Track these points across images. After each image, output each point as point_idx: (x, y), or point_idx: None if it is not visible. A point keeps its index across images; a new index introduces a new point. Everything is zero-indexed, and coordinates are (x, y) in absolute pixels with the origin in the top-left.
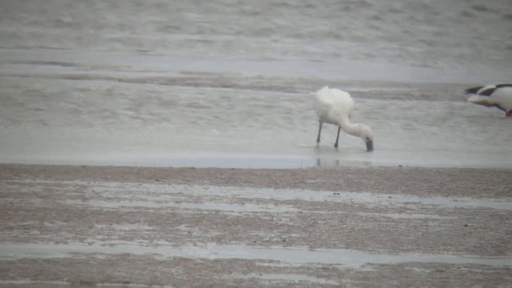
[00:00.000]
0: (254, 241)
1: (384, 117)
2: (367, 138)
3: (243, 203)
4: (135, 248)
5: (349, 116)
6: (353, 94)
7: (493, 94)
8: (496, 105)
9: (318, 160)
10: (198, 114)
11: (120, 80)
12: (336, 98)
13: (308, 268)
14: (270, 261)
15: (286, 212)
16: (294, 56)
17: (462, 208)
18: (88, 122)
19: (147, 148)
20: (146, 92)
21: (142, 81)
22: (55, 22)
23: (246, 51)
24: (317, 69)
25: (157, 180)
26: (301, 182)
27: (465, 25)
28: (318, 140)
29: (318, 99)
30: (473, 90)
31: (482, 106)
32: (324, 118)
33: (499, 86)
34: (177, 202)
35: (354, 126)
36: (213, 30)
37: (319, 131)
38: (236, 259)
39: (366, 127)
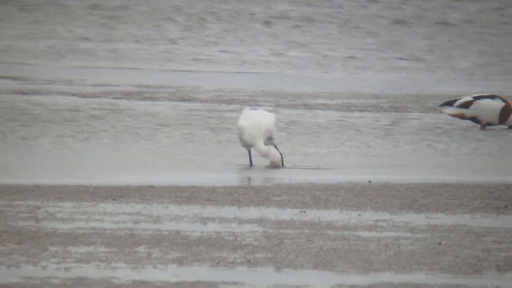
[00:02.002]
0: (218, 263)
1: (352, 130)
2: (272, 162)
3: (205, 223)
4: (92, 271)
5: (268, 138)
6: (319, 106)
7: (472, 107)
8: (473, 118)
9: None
10: (155, 129)
11: (73, 95)
12: (253, 120)
13: None
14: (235, 283)
15: (251, 232)
16: (257, 67)
17: (435, 225)
18: (39, 140)
19: (101, 166)
20: (101, 106)
21: (97, 95)
22: (2, 33)
23: (206, 63)
24: (280, 81)
25: (114, 200)
26: (266, 199)
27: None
28: (251, 164)
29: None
30: (449, 103)
31: (456, 119)
32: (241, 141)
33: (476, 98)
34: (136, 222)
35: (264, 148)
36: (170, 40)
37: (249, 155)
38: (199, 282)
39: (274, 152)
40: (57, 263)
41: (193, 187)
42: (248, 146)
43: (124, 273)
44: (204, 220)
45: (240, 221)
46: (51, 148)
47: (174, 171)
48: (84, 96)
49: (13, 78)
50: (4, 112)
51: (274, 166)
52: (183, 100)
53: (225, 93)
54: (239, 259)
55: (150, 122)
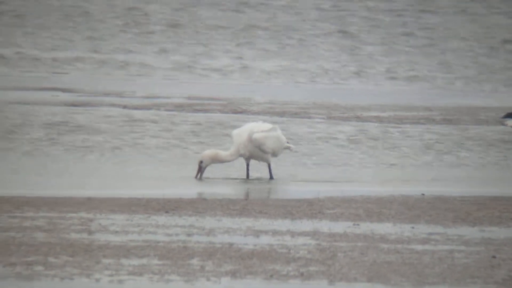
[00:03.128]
0: (271, 275)
1: (404, 142)
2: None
3: (258, 236)
4: (145, 284)
5: (259, 148)
6: (371, 119)
7: None
8: None
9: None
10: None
11: (124, 107)
12: (240, 130)
13: None
14: None
15: (304, 244)
16: (309, 80)
17: (489, 238)
18: (92, 152)
19: (154, 179)
20: (152, 118)
21: (148, 107)
22: (54, 45)
23: (257, 75)
24: (331, 94)
25: (166, 212)
26: (319, 212)
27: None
28: (247, 176)
29: None
30: (511, 115)
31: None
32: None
33: None
34: (189, 235)
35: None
36: (214, 56)
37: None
38: None
39: (203, 152)
40: (111, 275)
41: (245, 199)
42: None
43: (177, 285)
44: (257, 233)
45: (293, 234)
46: (103, 160)
47: (225, 184)
48: (135, 108)
49: (63, 91)
50: (56, 124)
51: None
52: (235, 112)
53: (276, 105)
54: (292, 272)
55: (201, 135)
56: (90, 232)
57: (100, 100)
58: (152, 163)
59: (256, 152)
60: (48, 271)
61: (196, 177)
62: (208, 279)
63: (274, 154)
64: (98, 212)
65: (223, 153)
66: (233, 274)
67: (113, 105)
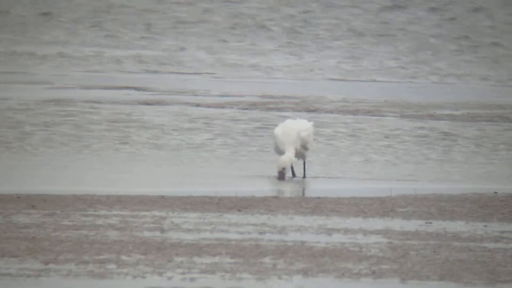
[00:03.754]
0: (342, 274)
1: (478, 141)
2: (277, 167)
3: (330, 234)
4: (217, 282)
5: (303, 146)
6: (444, 117)
7: None
8: None
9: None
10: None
11: (198, 105)
12: (284, 128)
13: None
14: None
15: (376, 243)
16: (381, 77)
17: None
18: (163, 150)
19: (226, 177)
20: (226, 117)
21: (221, 106)
22: (127, 43)
23: (330, 73)
24: (404, 91)
25: (239, 210)
26: (391, 210)
27: None
28: (293, 175)
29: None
30: None
31: None
32: (275, 149)
33: None
34: (261, 233)
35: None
36: (283, 55)
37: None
38: None
39: (281, 159)
40: (183, 273)
41: (318, 197)
42: (279, 153)
43: (249, 284)
44: (329, 231)
45: (365, 232)
46: (176, 157)
47: (297, 183)
48: (208, 106)
49: (137, 89)
50: (130, 122)
51: (278, 172)
52: (308, 110)
53: (349, 103)
54: (364, 270)
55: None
56: (162, 230)
57: (173, 99)
58: (224, 161)
59: (299, 150)
60: (121, 269)
61: (278, 179)
62: (279, 278)
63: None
64: (170, 210)
65: (292, 156)
66: (305, 273)
67: (186, 103)
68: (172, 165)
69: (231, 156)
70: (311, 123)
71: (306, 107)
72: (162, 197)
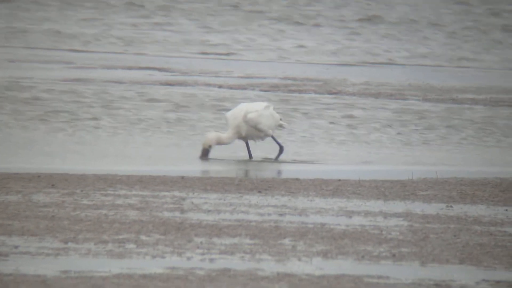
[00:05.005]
0: (362, 256)
1: (500, 125)
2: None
3: (350, 216)
4: (237, 263)
5: (255, 127)
6: (466, 101)
7: None
8: None
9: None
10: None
11: (220, 86)
12: (234, 110)
13: (420, 285)
14: (379, 277)
15: (396, 226)
16: (403, 61)
17: None
18: (184, 131)
19: (246, 157)
20: (248, 98)
21: (243, 87)
22: (151, 25)
23: (351, 56)
24: (427, 75)
25: (259, 192)
26: (412, 194)
27: None
28: (250, 156)
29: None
30: None
31: None
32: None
33: None
34: (281, 214)
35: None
36: (306, 37)
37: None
38: (343, 275)
39: (206, 136)
40: (202, 254)
41: (338, 180)
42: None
43: (268, 265)
44: (349, 214)
45: (385, 215)
46: (197, 138)
47: (318, 164)
48: (230, 87)
49: (159, 69)
50: (151, 101)
51: (202, 151)
52: (330, 93)
53: (372, 86)
54: (384, 253)
55: (291, 115)
56: (182, 211)
57: (195, 79)
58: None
59: (252, 131)
60: (140, 249)
61: (201, 158)
62: (299, 259)
63: (268, 133)
64: (190, 191)
65: (223, 136)
66: (325, 255)
67: (208, 84)
68: (192, 145)
69: None
70: (265, 103)
71: (329, 90)
72: (183, 177)
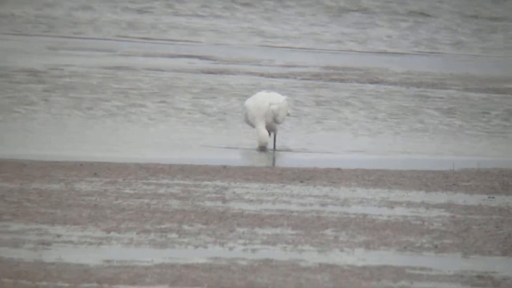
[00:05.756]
0: (404, 247)
1: None
2: (258, 142)
3: (392, 207)
4: (278, 253)
5: (274, 119)
6: (508, 91)
7: None
8: None
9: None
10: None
11: (261, 75)
12: (255, 101)
13: (462, 277)
14: (421, 268)
15: (438, 217)
16: (446, 50)
17: None
18: (227, 121)
19: (289, 148)
20: (287, 87)
21: (284, 76)
22: (193, 13)
23: (393, 46)
24: (468, 65)
25: (301, 182)
26: (454, 184)
27: None
28: (274, 147)
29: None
30: None
31: None
32: (245, 121)
33: None
34: (323, 205)
35: (258, 129)
36: (358, 24)
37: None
38: (385, 266)
39: (261, 136)
40: (244, 244)
41: (380, 170)
42: (250, 125)
43: (310, 255)
44: (391, 204)
45: (427, 206)
46: (240, 126)
47: (360, 154)
48: (271, 76)
49: (200, 58)
50: (191, 90)
51: (259, 146)
52: (372, 82)
53: (413, 75)
54: (426, 244)
55: (331, 104)
56: (224, 200)
57: (237, 68)
58: (289, 133)
59: (269, 123)
60: (182, 238)
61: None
62: (341, 250)
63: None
64: (232, 181)
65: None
66: (367, 245)
67: (250, 73)
68: (235, 133)
69: (295, 127)
70: (284, 97)
71: (370, 79)
72: (225, 167)
